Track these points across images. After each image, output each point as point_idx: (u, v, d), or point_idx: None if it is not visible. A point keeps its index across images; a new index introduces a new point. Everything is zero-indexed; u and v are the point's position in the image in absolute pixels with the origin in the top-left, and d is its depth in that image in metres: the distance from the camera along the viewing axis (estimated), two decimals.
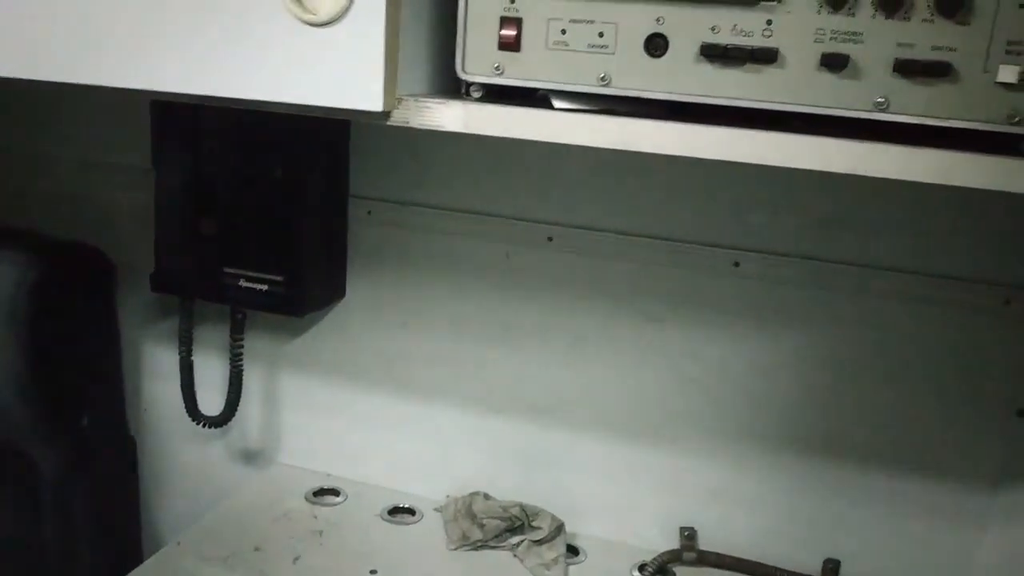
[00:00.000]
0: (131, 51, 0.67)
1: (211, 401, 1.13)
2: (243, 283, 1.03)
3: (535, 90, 0.64)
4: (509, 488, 1.07)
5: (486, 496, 1.06)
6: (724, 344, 0.98)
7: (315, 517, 1.05)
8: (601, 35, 0.61)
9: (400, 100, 0.65)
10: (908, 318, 0.92)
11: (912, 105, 0.56)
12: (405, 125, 0.65)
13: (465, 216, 1.03)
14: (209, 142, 1.01)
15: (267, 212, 1.01)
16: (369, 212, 1.07)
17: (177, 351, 1.10)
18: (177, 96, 0.68)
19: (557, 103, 0.64)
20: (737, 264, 0.96)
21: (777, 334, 0.96)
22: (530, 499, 1.05)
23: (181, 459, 1.22)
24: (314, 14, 0.62)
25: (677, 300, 0.99)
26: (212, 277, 1.03)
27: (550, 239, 1.01)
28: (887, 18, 0.56)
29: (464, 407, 1.08)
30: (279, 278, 1.02)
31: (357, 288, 1.09)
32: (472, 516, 1.02)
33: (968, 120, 0.56)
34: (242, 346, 1.10)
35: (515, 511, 1.02)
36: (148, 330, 1.18)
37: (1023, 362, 0.90)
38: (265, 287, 1.02)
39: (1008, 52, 0.54)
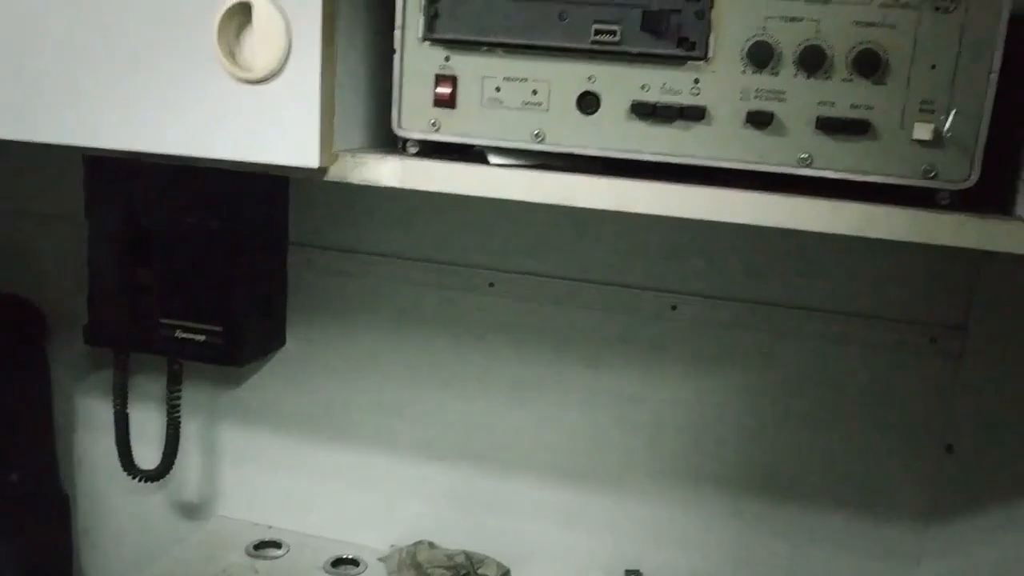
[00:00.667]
0: (65, 107, 0.67)
1: (148, 454, 1.10)
2: (180, 334, 1.01)
3: (472, 145, 0.64)
4: (454, 536, 1.06)
5: (431, 545, 1.05)
6: (664, 387, 0.99)
7: (256, 571, 1.03)
8: (535, 93, 0.62)
9: (337, 156, 0.65)
10: (841, 358, 0.94)
11: (835, 161, 0.59)
12: (342, 181, 0.65)
13: (406, 263, 1.03)
14: (144, 191, 1.00)
15: (204, 261, 1.00)
16: (309, 260, 1.06)
17: (112, 403, 1.08)
18: (111, 152, 0.67)
19: (493, 159, 0.64)
20: (675, 307, 0.98)
21: (715, 376, 0.98)
22: (475, 546, 1.05)
23: (117, 515, 1.18)
24: (249, 71, 0.63)
25: (617, 344, 1.00)
26: (148, 328, 1.02)
27: (491, 285, 1.02)
28: (808, 78, 0.58)
29: (407, 455, 1.08)
30: (217, 328, 1.01)
31: (297, 336, 1.08)
32: (417, 566, 1.01)
33: (887, 175, 0.58)
34: (179, 397, 1.08)
35: (460, 559, 1.01)
36: (82, 381, 1.16)
37: (950, 398, 0.93)
38: (203, 337, 1.01)
39: (922, 110, 0.57)
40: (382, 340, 1.05)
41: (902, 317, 0.92)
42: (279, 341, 1.09)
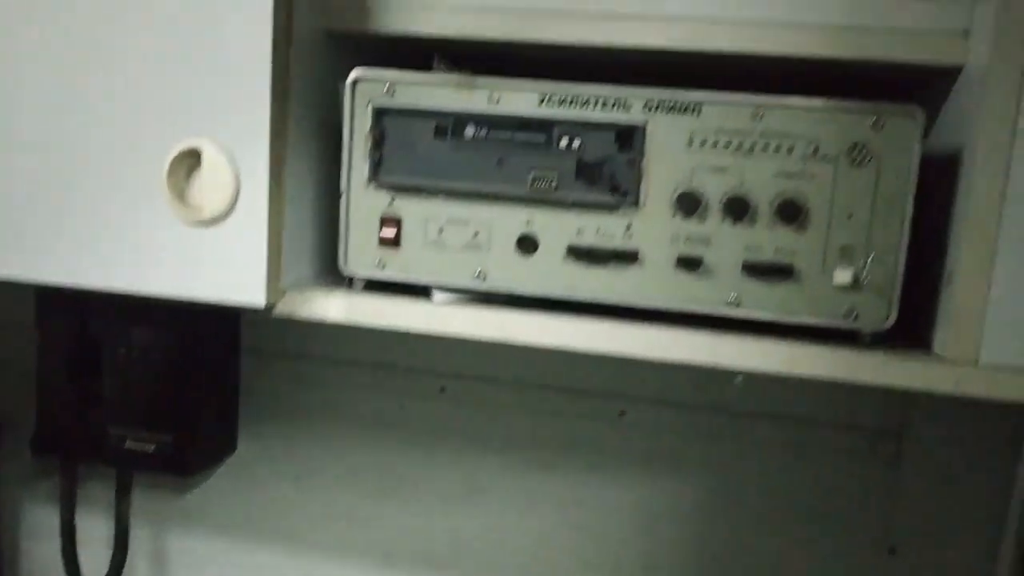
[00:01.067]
0: (11, 243, 0.68)
1: (95, 563, 1.08)
2: (130, 444, 1.01)
3: None
4: None
5: None
6: (613, 491, 1.00)
7: None
8: (476, 235, 0.64)
9: (284, 292, 0.66)
10: (785, 463, 0.96)
11: (761, 303, 0.61)
12: (289, 317, 0.67)
13: (356, 368, 1.04)
14: (94, 302, 1.00)
15: (155, 371, 1.00)
16: (261, 365, 1.07)
17: (59, 512, 1.06)
18: (61, 287, 0.68)
19: (437, 295, 0.66)
20: (623, 413, 1.00)
21: (663, 481, 0.99)
22: None
23: None
24: (198, 213, 0.64)
25: (567, 449, 1.01)
26: (97, 438, 1.01)
27: (442, 390, 1.03)
28: (734, 224, 0.61)
29: (361, 560, 1.07)
30: (167, 438, 1.00)
31: (249, 441, 1.08)
32: None
33: (811, 316, 0.61)
34: (128, 505, 1.07)
35: None
36: (28, 489, 1.14)
37: (891, 502, 0.95)
38: (152, 447, 1.00)
39: (842, 256, 0.60)
40: (333, 446, 1.06)
41: (842, 423, 0.95)
42: (231, 447, 1.09)
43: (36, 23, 0.64)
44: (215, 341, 1.04)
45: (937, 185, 0.63)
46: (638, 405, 0.99)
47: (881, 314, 0.60)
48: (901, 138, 0.58)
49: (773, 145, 0.60)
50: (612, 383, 0.99)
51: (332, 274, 0.71)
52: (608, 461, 1.01)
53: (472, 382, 1.02)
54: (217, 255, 0.64)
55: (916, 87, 0.69)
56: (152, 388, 1.00)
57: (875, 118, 0.58)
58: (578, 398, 1.00)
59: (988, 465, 0.92)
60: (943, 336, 0.60)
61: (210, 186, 0.63)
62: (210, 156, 0.63)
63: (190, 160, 0.64)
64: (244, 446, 1.09)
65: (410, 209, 0.65)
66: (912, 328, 0.65)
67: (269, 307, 0.66)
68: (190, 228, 0.64)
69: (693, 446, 0.98)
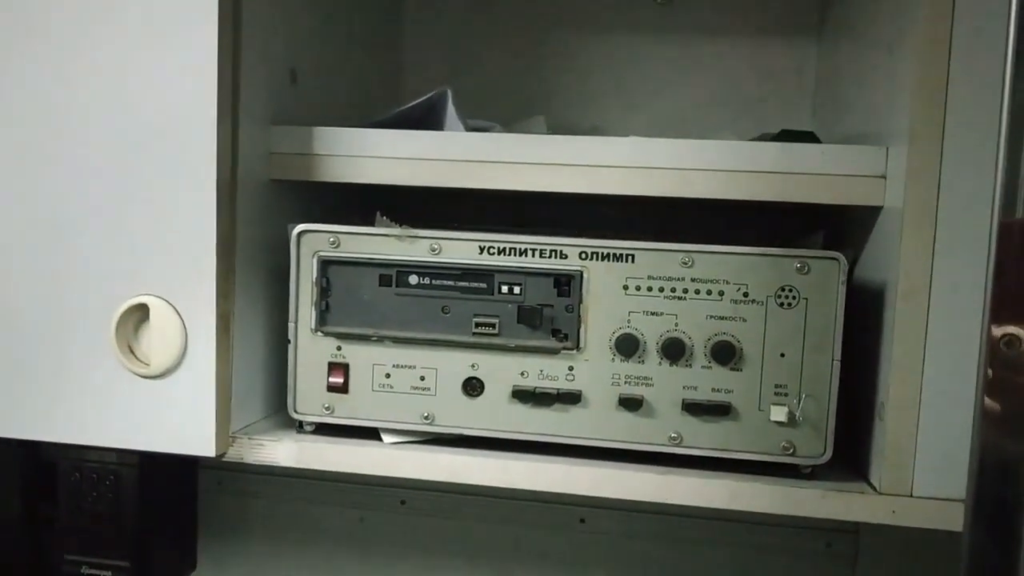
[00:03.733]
0: None
1: None
2: (86, 571, 1.00)
3: None
4: None
5: None
6: None
7: None
8: (423, 378, 0.66)
9: (234, 439, 0.67)
10: (744, 563, 0.97)
11: (702, 439, 0.63)
12: (239, 462, 0.67)
13: (316, 483, 1.04)
14: None
15: (110, 495, 0.99)
16: (219, 482, 1.06)
17: None
18: (7, 439, 0.68)
19: (386, 437, 0.67)
20: (583, 520, 1.00)
21: None
22: None
23: None
24: (146, 366, 0.65)
25: (529, 557, 1.01)
26: (52, 565, 1.00)
27: (403, 502, 1.03)
28: (672, 365, 0.63)
29: None
30: (124, 564, 0.99)
31: (208, 558, 1.07)
32: None
33: (750, 452, 0.63)
34: None
35: None
36: None
37: None
38: (109, 574, 0.99)
39: (776, 394, 0.62)
40: (294, 560, 1.05)
41: (798, 523, 0.96)
42: (190, 565, 1.07)
43: None
44: (172, 461, 1.04)
45: (868, 315, 0.65)
46: (597, 512, 1.00)
47: (817, 449, 0.62)
48: (826, 281, 0.61)
49: (704, 290, 0.62)
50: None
51: (282, 414, 0.72)
52: (571, 568, 1.01)
53: (432, 493, 1.03)
54: (166, 407, 0.65)
55: (841, 213, 0.72)
56: (108, 513, 0.99)
57: (800, 264, 0.61)
58: (539, 506, 1.01)
59: (945, 561, 0.94)
60: (878, 468, 0.62)
61: (159, 340, 0.64)
62: (158, 311, 0.64)
63: (139, 313, 0.65)
64: (204, 563, 1.08)
65: (357, 355, 0.66)
66: (851, 455, 0.67)
67: (219, 455, 0.66)
68: (139, 381, 0.65)
69: (653, 550, 0.99)
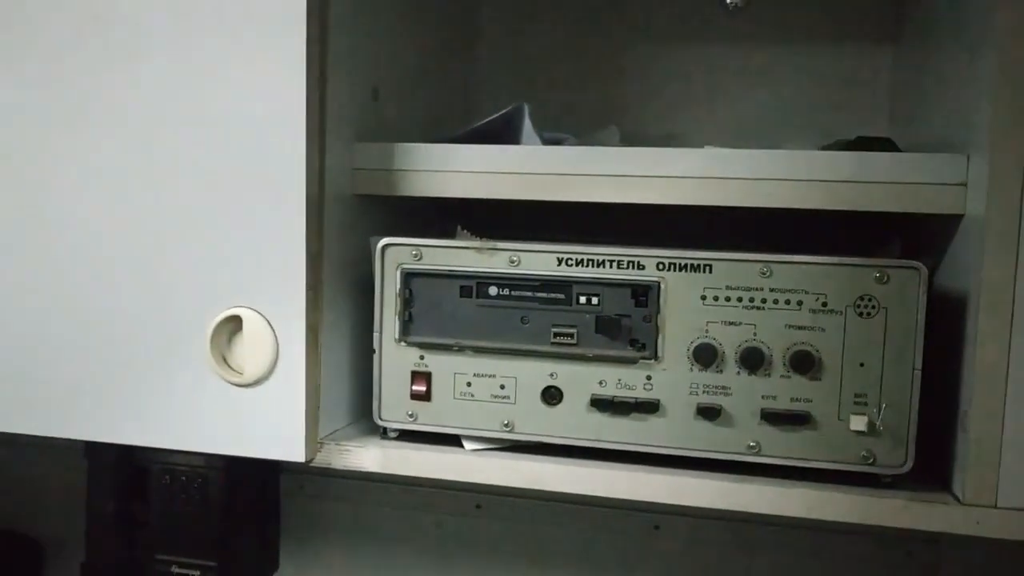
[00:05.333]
0: (65, 404, 0.72)
1: None
2: (175, 570, 1.04)
3: None
4: None
5: None
6: None
7: None
8: (502, 387, 0.67)
9: (321, 445, 0.70)
10: (820, 573, 0.96)
11: (780, 448, 0.63)
12: (327, 467, 0.70)
13: (393, 486, 1.06)
14: None
15: (199, 497, 1.03)
16: (301, 486, 1.10)
17: None
18: (104, 444, 0.72)
19: (467, 444, 0.69)
20: (657, 527, 1.01)
21: None
22: None
23: None
24: (239, 376, 0.68)
25: (602, 564, 1.02)
26: (144, 565, 1.04)
27: (478, 506, 1.05)
28: (750, 375, 0.63)
29: None
30: (212, 564, 1.03)
31: (290, 560, 1.11)
32: None
33: (829, 461, 0.63)
34: None
35: None
36: None
37: None
38: (197, 573, 1.03)
39: (856, 403, 0.62)
40: (372, 563, 1.08)
41: (877, 531, 0.95)
42: (272, 567, 1.11)
43: (88, 197, 0.69)
44: (256, 464, 1.07)
45: (949, 323, 0.64)
46: (672, 518, 1.00)
47: (898, 458, 0.62)
48: (906, 290, 0.61)
49: (783, 299, 0.62)
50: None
51: (365, 420, 0.74)
52: (646, 574, 1.02)
53: (507, 498, 1.04)
54: (258, 414, 0.68)
55: (918, 220, 0.71)
56: (196, 515, 1.03)
57: (879, 273, 0.61)
58: (613, 512, 1.02)
59: None
60: (961, 478, 0.61)
61: (251, 350, 0.67)
62: (250, 322, 0.67)
63: (232, 324, 0.68)
64: (286, 563, 1.11)
65: (439, 364, 0.68)
66: (933, 465, 0.66)
67: (308, 461, 0.69)
68: (233, 389, 0.68)
69: (729, 558, 0.99)
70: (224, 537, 1.03)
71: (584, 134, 0.87)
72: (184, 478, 1.04)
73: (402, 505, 1.06)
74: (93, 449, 1.07)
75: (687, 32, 0.98)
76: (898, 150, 0.75)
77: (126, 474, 1.05)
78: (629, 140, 0.85)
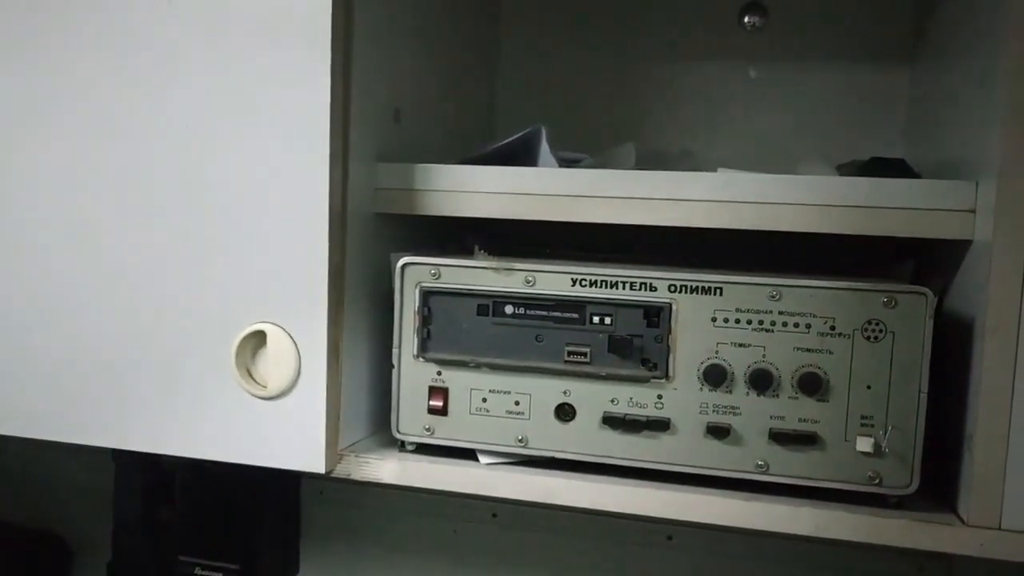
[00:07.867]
0: (91, 413, 0.74)
1: None
2: (199, 572, 1.06)
3: None
4: None
5: None
6: None
7: None
8: (517, 403, 0.69)
9: (341, 457, 0.72)
10: None
11: (788, 468, 0.65)
12: (346, 478, 0.72)
13: (411, 495, 1.08)
14: None
15: (224, 500, 1.06)
16: (321, 492, 1.12)
17: None
18: (137, 451, 0.75)
19: (483, 458, 0.71)
20: (670, 537, 1.02)
21: None
22: None
23: None
24: (263, 388, 0.70)
25: (615, 572, 1.04)
26: (169, 566, 1.07)
27: (494, 515, 1.07)
28: (759, 395, 0.65)
29: None
30: (234, 566, 1.06)
31: (310, 563, 1.13)
32: None
33: (836, 481, 0.64)
34: None
35: None
36: None
37: None
38: (219, 575, 1.06)
39: (863, 425, 0.63)
40: (389, 568, 1.10)
41: (890, 547, 0.96)
42: (293, 569, 1.13)
43: (124, 218, 0.72)
44: (278, 470, 1.10)
45: (957, 346, 0.66)
46: (685, 530, 1.02)
47: (904, 479, 0.63)
48: (913, 315, 0.62)
49: (792, 322, 0.64)
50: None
51: (385, 432, 0.76)
52: None
53: (523, 507, 1.06)
54: (281, 426, 0.70)
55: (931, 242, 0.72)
56: (221, 518, 1.06)
57: (887, 298, 0.62)
58: (627, 523, 1.03)
59: None
60: (965, 500, 0.63)
61: (275, 364, 0.70)
62: (274, 337, 0.69)
63: (256, 339, 0.70)
64: (305, 567, 1.13)
65: (456, 380, 0.70)
66: (939, 486, 0.67)
67: (328, 472, 0.71)
68: (256, 402, 0.70)
69: (741, 569, 1.00)
70: (248, 542, 1.06)
71: (601, 150, 0.89)
72: (211, 482, 1.06)
73: (419, 512, 1.08)
74: (121, 453, 1.09)
75: (706, 49, 1.00)
76: (912, 171, 0.76)
77: (152, 477, 1.08)
78: (646, 157, 0.87)
